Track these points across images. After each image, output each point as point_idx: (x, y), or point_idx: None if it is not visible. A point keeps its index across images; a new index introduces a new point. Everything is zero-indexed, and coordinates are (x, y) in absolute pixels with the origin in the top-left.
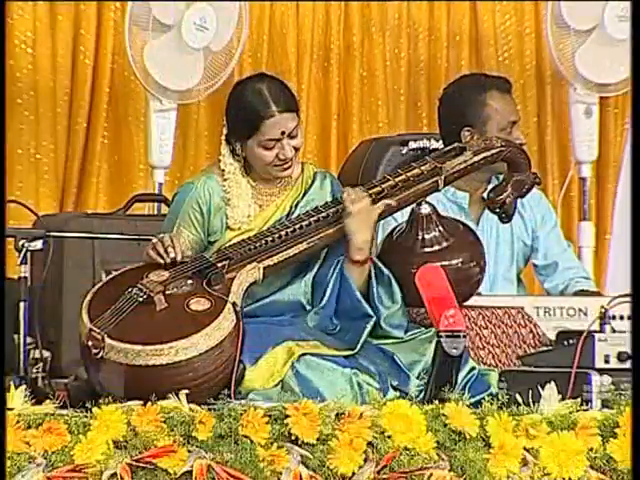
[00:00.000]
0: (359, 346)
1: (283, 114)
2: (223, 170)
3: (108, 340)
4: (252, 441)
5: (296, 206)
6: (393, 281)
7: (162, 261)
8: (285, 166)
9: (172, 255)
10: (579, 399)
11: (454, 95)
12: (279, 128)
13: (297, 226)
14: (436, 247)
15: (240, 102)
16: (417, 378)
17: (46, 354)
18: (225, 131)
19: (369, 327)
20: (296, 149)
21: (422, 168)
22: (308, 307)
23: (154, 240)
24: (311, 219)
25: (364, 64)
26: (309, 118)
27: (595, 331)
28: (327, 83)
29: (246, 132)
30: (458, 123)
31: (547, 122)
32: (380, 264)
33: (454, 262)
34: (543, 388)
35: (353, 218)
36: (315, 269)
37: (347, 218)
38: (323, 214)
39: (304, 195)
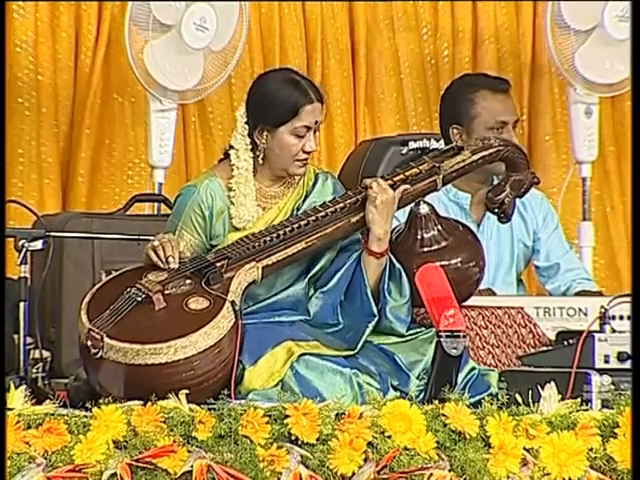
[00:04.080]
0: (359, 346)
1: (319, 104)
2: (233, 166)
3: (107, 340)
4: (252, 441)
5: (298, 209)
6: (404, 275)
7: (161, 265)
8: (304, 162)
9: (172, 266)
10: (579, 399)
11: (449, 93)
12: (314, 116)
13: (295, 225)
14: (435, 247)
15: (276, 89)
16: (417, 378)
17: (46, 354)
18: (244, 124)
19: (370, 327)
20: (316, 145)
21: (420, 167)
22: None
23: (155, 242)
24: (309, 218)
25: (371, 62)
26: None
27: (595, 331)
28: (337, 79)
29: (282, 118)
30: (449, 121)
31: (546, 122)
32: (392, 257)
33: (453, 262)
34: (543, 388)
35: (376, 209)
36: (317, 269)
37: (370, 209)
38: (321, 213)
39: (306, 198)
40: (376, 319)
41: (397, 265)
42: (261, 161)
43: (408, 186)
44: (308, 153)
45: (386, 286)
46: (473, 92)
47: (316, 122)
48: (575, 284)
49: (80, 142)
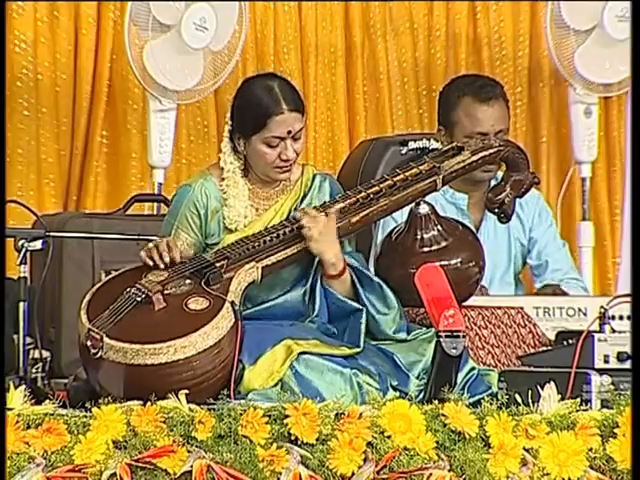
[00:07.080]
0: (362, 343)
1: (292, 113)
2: (222, 169)
3: (107, 340)
4: (252, 441)
5: (295, 210)
6: (385, 287)
7: (159, 263)
8: (285, 169)
9: (167, 260)
10: (579, 399)
11: (442, 92)
12: (286, 127)
13: (295, 226)
14: (435, 247)
15: (250, 97)
16: (417, 378)
17: (46, 354)
18: (229, 127)
19: (364, 322)
20: (297, 153)
21: (420, 168)
22: (308, 312)
23: (149, 245)
24: None
25: (367, 64)
26: (316, 119)
27: (595, 331)
28: (333, 83)
29: (253, 128)
30: (439, 120)
31: (547, 122)
32: (368, 272)
33: (453, 262)
34: (543, 388)
35: (317, 242)
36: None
37: (311, 245)
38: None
39: (303, 198)
40: (364, 313)
41: (375, 279)
42: (243, 167)
43: (343, 204)
44: (286, 161)
45: (367, 302)
46: (457, 97)
47: (289, 132)
48: (562, 284)
49: (79, 143)
